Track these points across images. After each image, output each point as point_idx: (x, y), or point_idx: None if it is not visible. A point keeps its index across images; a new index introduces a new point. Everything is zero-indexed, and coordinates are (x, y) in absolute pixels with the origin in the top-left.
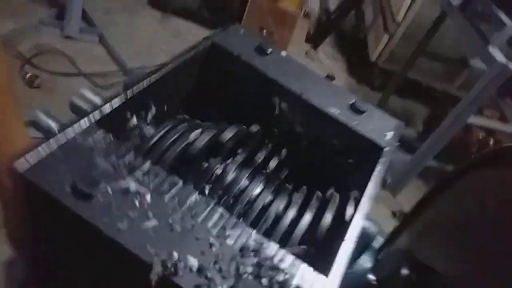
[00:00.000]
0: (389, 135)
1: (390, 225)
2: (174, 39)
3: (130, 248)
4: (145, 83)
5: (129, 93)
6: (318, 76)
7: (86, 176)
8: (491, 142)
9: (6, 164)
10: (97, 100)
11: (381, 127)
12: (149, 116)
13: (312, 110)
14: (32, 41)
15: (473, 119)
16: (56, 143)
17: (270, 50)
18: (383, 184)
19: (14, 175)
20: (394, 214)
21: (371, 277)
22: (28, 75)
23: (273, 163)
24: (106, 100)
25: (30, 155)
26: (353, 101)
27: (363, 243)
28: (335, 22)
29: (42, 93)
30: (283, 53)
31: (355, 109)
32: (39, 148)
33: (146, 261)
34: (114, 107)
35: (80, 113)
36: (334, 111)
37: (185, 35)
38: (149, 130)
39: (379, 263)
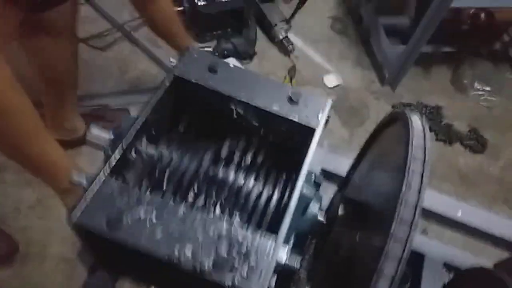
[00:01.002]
0: (321, 115)
1: None
2: None
3: (148, 250)
4: (132, 130)
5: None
6: (260, 77)
7: (113, 213)
8: (482, 15)
9: None
10: (105, 135)
11: (313, 111)
12: (143, 146)
13: (260, 110)
14: None
15: (460, 2)
16: (89, 195)
17: (219, 68)
18: (382, 81)
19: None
20: (394, 107)
21: (320, 218)
22: None
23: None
24: (112, 148)
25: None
26: (289, 94)
27: (305, 203)
28: None
29: None
30: (231, 65)
31: (292, 101)
32: (82, 201)
33: (159, 257)
34: (118, 157)
35: (95, 147)
36: (275, 107)
37: None
38: (149, 152)
39: (329, 207)
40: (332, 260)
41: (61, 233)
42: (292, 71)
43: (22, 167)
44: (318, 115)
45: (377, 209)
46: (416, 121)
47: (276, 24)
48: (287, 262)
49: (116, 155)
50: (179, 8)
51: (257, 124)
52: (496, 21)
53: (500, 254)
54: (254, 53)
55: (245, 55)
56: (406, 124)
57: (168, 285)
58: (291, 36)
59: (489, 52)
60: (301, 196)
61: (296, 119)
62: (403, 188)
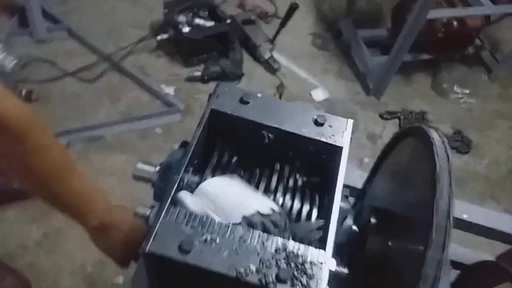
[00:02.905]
0: (345, 134)
1: (380, 127)
2: (135, 8)
3: (219, 270)
4: (183, 162)
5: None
6: (287, 104)
7: (183, 238)
8: (455, 23)
9: None
10: (151, 169)
11: (338, 131)
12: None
13: (290, 134)
14: None
15: (433, 14)
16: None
17: (250, 99)
18: (367, 91)
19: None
20: (381, 116)
21: (354, 227)
22: (23, 91)
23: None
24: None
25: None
26: (315, 116)
27: (343, 217)
28: None
29: (41, 105)
30: (259, 95)
31: (318, 123)
32: (151, 231)
33: (229, 275)
34: (175, 187)
35: (142, 179)
36: (304, 130)
37: (145, 1)
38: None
39: (356, 217)
40: (365, 267)
41: (70, 266)
42: (280, 88)
43: (51, 206)
44: (343, 134)
45: (407, 217)
46: (435, 134)
47: (260, 45)
48: (337, 269)
49: (174, 186)
50: (164, 36)
51: (286, 147)
52: (468, 28)
53: (499, 247)
54: (242, 74)
55: (233, 76)
56: (426, 138)
57: None
58: (276, 55)
59: (463, 57)
60: (340, 210)
61: (324, 139)
62: (438, 197)
